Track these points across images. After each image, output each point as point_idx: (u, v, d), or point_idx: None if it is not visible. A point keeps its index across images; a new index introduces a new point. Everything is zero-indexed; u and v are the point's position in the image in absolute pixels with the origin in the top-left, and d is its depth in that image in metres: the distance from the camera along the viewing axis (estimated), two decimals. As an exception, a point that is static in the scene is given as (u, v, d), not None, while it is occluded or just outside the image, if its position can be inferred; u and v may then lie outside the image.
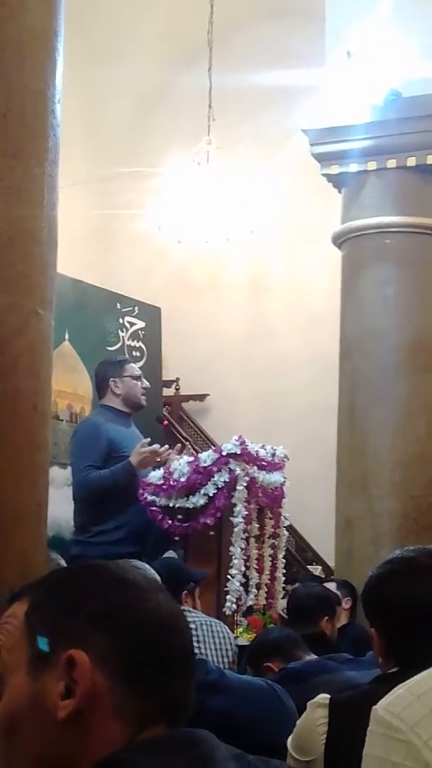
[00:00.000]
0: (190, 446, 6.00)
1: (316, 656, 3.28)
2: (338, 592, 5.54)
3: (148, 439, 5.50)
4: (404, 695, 1.24)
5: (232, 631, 4.69)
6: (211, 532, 5.05)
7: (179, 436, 9.08)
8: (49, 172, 2.79)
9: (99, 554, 4.81)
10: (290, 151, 8.25)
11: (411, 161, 6.02)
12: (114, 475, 5.24)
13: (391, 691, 1.27)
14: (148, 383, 5.73)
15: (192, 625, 3.78)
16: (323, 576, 7.31)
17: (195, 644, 3.67)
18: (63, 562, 3.61)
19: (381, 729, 1.22)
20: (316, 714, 2.09)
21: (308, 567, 8.29)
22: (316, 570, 8.04)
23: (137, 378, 5.64)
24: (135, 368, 5.77)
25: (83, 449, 5.40)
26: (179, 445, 5.74)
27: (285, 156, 8.87)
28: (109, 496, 5.25)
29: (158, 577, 2.66)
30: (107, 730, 1.11)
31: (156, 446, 5.34)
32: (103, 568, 1.22)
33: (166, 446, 5.44)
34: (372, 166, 6.12)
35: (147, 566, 2.71)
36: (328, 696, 2.09)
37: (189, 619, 3.65)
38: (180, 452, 5.42)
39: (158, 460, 5.28)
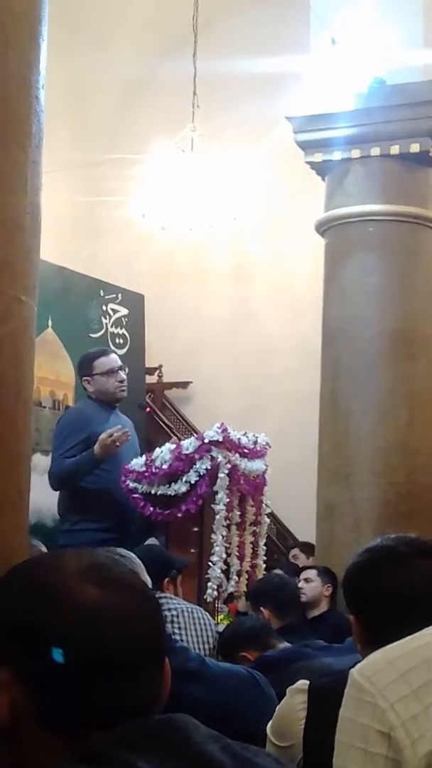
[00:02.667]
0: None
1: (289, 644, 3.30)
2: (319, 579, 5.59)
3: (119, 427, 5.45)
4: (377, 660, 1.28)
5: (213, 618, 4.71)
6: (195, 528, 5.08)
7: (162, 424, 9.10)
8: (33, 158, 2.77)
9: (83, 542, 4.82)
10: (274, 139, 8.24)
11: (395, 149, 6.02)
12: (76, 463, 5.27)
13: (367, 656, 1.30)
14: (124, 375, 5.54)
15: (173, 612, 3.79)
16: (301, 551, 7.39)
17: (177, 631, 3.69)
18: (44, 549, 3.61)
19: (353, 691, 1.26)
20: (295, 700, 2.10)
21: (291, 543, 8.34)
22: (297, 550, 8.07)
23: (109, 373, 5.47)
24: (108, 362, 5.54)
25: (61, 439, 5.42)
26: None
27: (269, 143, 8.85)
28: (72, 482, 5.26)
29: (142, 566, 2.67)
30: (39, 743, 1.09)
31: (111, 430, 5.29)
32: (22, 574, 1.17)
33: (124, 430, 5.35)
34: (356, 154, 6.12)
35: (131, 554, 2.72)
36: (307, 682, 2.11)
37: (170, 606, 3.68)
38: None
39: (117, 445, 5.23)
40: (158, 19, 9.29)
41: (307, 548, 6.78)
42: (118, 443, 5.20)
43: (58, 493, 5.57)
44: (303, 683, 2.11)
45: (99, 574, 1.14)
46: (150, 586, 2.66)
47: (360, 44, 5.98)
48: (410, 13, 6.01)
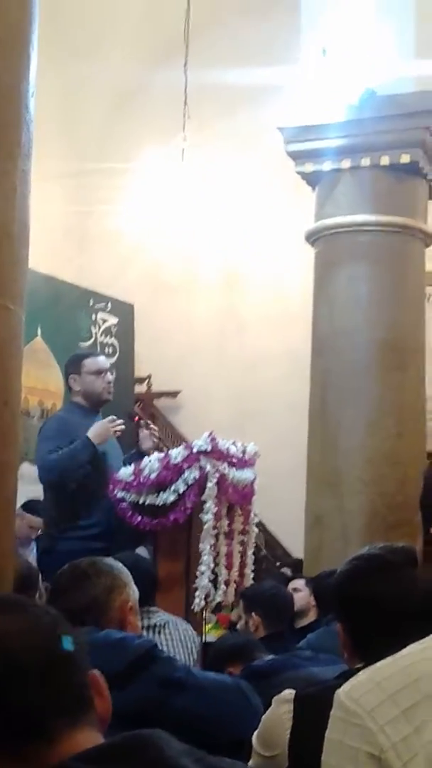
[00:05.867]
0: (150, 424, 6.00)
1: (274, 655, 3.30)
2: (307, 589, 5.58)
3: (112, 417, 5.48)
4: (364, 681, 1.26)
5: (201, 628, 4.71)
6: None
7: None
8: (22, 167, 2.77)
9: (68, 549, 4.79)
10: (265, 149, 8.27)
11: (384, 160, 6.04)
12: (72, 452, 5.22)
13: (353, 677, 1.29)
14: (111, 377, 5.53)
15: (159, 623, 3.79)
16: (291, 573, 7.35)
17: (164, 642, 3.69)
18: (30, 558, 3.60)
19: (341, 713, 1.24)
20: (281, 709, 2.10)
21: (278, 564, 8.33)
22: (287, 571, 8.05)
23: (97, 373, 5.46)
24: (96, 362, 5.55)
25: (46, 440, 5.37)
26: (143, 421, 5.74)
27: (260, 153, 8.88)
28: (71, 475, 5.22)
29: (130, 576, 2.67)
30: None
31: (110, 417, 5.33)
32: None
33: (119, 420, 5.40)
34: (346, 164, 6.14)
35: (119, 564, 2.71)
36: (293, 691, 2.10)
37: (158, 618, 3.67)
38: (147, 428, 5.57)
39: (115, 432, 5.26)
40: (149, 29, 9.32)
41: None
42: (115, 428, 5.27)
43: (43, 499, 5.55)
44: (289, 692, 2.11)
45: None
46: (137, 596, 2.67)
47: (351, 55, 6.00)
48: (401, 24, 6.03)
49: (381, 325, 6.04)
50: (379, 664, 1.29)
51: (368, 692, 1.23)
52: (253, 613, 3.98)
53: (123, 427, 5.42)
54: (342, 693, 1.27)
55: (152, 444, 5.57)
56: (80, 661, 1.21)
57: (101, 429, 5.29)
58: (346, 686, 1.27)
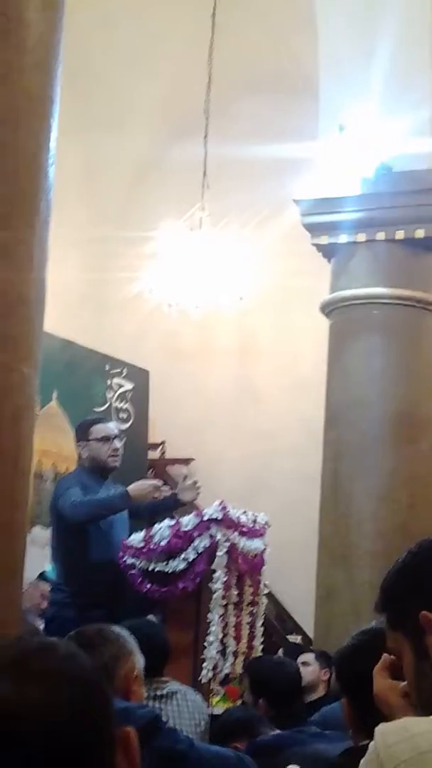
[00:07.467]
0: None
1: (280, 731, 3.25)
2: (317, 663, 5.50)
3: (159, 482, 5.51)
4: (399, 729, 1.25)
5: (208, 700, 4.64)
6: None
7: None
8: (40, 235, 2.82)
9: (72, 616, 4.75)
10: (282, 221, 8.35)
11: (399, 234, 6.11)
12: (110, 500, 5.17)
13: (391, 723, 1.28)
14: (118, 444, 5.41)
15: (167, 691, 3.75)
16: (302, 645, 7.25)
17: (170, 713, 3.64)
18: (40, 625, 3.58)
19: (373, 755, 1.23)
20: (284, 786, 2.07)
21: (288, 636, 8.22)
22: (296, 639, 7.96)
23: (104, 440, 5.35)
24: (105, 429, 5.43)
25: (73, 488, 5.27)
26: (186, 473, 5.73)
27: (276, 225, 8.97)
28: (95, 517, 5.16)
29: (135, 645, 2.65)
30: None
31: (157, 482, 5.34)
32: None
33: (165, 486, 5.43)
34: (361, 238, 6.21)
35: (125, 633, 2.69)
36: (297, 767, 2.07)
37: (165, 690, 3.63)
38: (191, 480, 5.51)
39: (156, 496, 5.26)
40: (171, 102, 9.49)
41: (324, 658, 5.62)
42: (156, 494, 5.26)
43: (53, 564, 5.50)
44: (292, 768, 2.08)
45: (17, 669, 1.05)
46: (143, 665, 2.64)
47: (367, 131, 6.10)
48: (417, 102, 6.14)
49: (394, 398, 6.05)
50: (420, 719, 1.27)
51: (400, 742, 1.23)
52: (260, 699, 3.86)
53: (166, 493, 5.39)
54: (378, 732, 1.27)
55: (194, 496, 5.51)
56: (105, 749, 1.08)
57: (142, 489, 5.25)
58: (383, 727, 1.27)
